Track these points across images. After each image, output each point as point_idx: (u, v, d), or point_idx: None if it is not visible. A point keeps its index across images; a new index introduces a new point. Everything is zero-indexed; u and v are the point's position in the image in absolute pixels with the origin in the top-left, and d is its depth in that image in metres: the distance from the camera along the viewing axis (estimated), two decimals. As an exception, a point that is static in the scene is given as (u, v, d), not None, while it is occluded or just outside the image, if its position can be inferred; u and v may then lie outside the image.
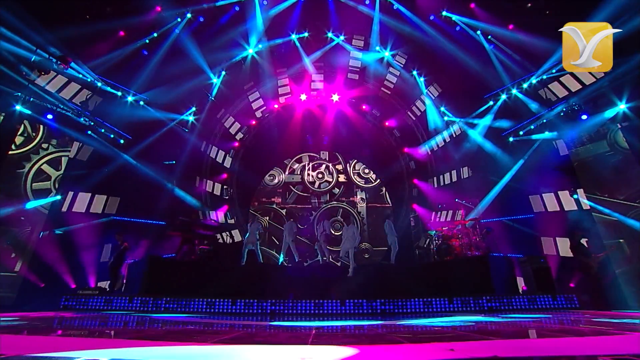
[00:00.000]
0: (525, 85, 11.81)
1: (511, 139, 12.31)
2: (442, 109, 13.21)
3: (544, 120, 11.78)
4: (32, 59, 10.64)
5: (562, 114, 11.46)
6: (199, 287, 8.26)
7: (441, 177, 13.18)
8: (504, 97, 12.23)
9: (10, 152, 11.36)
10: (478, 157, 12.44)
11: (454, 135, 12.99)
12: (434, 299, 7.28)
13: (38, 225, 10.62)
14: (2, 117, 11.28)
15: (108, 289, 8.43)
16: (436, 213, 12.19)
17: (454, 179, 12.29)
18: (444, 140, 13.10)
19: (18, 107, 10.43)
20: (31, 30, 9.73)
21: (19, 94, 10.46)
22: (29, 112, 10.50)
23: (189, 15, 12.10)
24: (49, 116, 10.86)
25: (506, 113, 12.32)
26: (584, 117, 11.07)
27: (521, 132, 12.24)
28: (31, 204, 10.87)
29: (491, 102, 12.43)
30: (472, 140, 12.60)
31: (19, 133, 11.45)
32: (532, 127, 12.04)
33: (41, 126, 11.56)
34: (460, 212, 10.56)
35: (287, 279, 9.23)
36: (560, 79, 11.17)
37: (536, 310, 6.87)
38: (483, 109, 12.58)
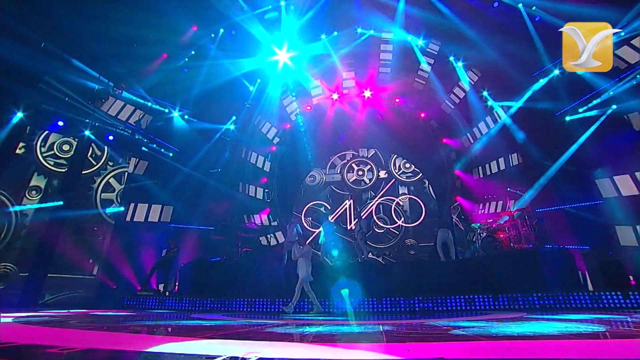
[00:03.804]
0: (582, 56, 10.44)
1: (567, 118, 10.98)
2: (484, 93, 12.25)
3: (611, 93, 10.32)
4: (95, 88, 12.21)
5: (634, 82, 9.95)
6: (241, 288, 8.71)
7: (486, 166, 12.23)
8: (556, 72, 10.94)
9: (83, 172, 13.13)
10: (528, 141, 11.28)
11: (498, 121, 11.97)
12: (477, 295, 6.82)
13: (107, 234, 12.06)
14: (76, 143, 13.11)
15: (161, 291, 9.27)
16: (481, 205, 11.33)
17: (502, 167, 11.33)
18: (487, 127, 12.13)
19: (87, 133, 12.01)
20: (90, 63, 11.14)
21: (88, 120, 12.03)
22: (94, 137, 12.04)
23: (221, 31, 12.85)
24: (110, 137, 12.32)
25: (559, 90, 11.01)
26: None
27: (580, 110, 10.86)
28: (110, 210, 12.52)
29: (541, 80, 11.21)
30: (518, 123, 11.48)
31: (88, 155, 13.14)
32: (594, 102, 10.61)
33: (105, 147, 13.12)
34: (507, 203, 9.65)
35: (325, 277, 9.29)
36: (632, 41, 9.55)
37: (599, 309, 6.01)
38: (532, 88, 11.40)
